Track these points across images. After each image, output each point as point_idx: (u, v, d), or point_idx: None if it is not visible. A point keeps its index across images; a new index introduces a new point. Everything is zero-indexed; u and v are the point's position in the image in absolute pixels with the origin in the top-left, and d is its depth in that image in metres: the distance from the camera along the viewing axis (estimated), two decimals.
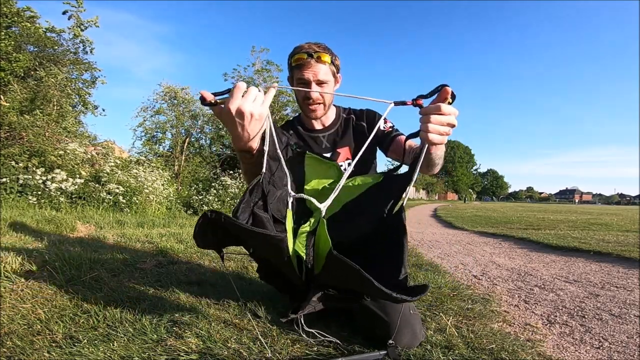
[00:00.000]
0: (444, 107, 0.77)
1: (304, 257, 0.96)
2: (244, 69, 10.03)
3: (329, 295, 0.93)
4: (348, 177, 1.17)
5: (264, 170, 0.88)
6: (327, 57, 1.15)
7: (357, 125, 1.33)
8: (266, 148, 0.88)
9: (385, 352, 0.91)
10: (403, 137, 1.21)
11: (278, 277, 1.08)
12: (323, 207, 0.88)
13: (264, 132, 0.87)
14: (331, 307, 1.00)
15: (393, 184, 1.00)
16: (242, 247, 0.96)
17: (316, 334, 0.99)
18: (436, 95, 0.80)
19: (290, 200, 0.91)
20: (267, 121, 0.85)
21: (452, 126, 0.79)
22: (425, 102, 0.81)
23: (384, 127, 1.26)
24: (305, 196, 0.89)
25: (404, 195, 0.93)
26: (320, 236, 0.88)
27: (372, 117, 1.33)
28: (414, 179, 0.88)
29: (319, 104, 1.21)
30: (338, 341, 0.99)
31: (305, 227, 1.07)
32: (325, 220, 0.87)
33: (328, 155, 1.29)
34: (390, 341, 0.93)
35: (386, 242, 0.90)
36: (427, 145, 0.84)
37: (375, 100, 0.87)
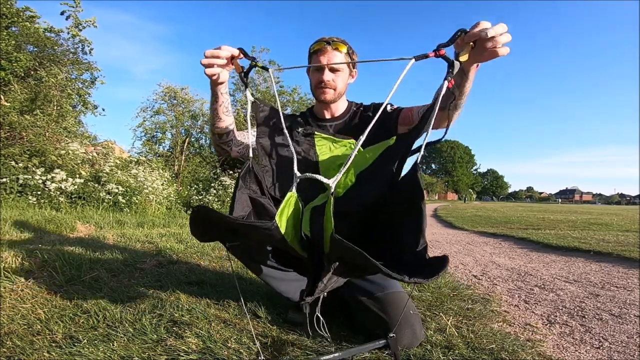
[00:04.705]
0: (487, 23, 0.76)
1: (309, 234, 0.95)
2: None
3: (344, 268, 0.89)
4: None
5: (251, 155, 0.93)
6: (343, 48, 1.17)
7: (363, 116, 1.33)
8: (251, 134, 0.91)
9: (384, 341, 0.91)
10: (412, 107, 1.19)
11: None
12: (332, 182, 0.84)
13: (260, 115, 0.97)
14: (349, 277, 0.96)
15: (404, 142, 0.95)
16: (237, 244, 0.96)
17: (318, 329, 0.99)
18: (455, 42, 0.79)
19: (296, 182, 0.89)
20: (248, 107, 0.96)
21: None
22: (447, 51, 0.80)
23: (390, 109, 1.24)
24: (312, 175, 0.87)
25: (417, 150, 0.85)
26: (326, 216, 0.84)
27: (379, 106, 1.33)
28: (433, 115, 0.80)
29: (330, 88, 1.22)
30: (328, 335, 0.99)
31: (314, 203, 1.06)
32: (332, 198, 0.83)
33: None
34: (392, 334, 0.93)
35: (401, 207, 0.84)
36: (471, 72, 0.82)
37: (395, 60, 0.83)
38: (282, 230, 0.82)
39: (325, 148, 1.14)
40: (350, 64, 1.24)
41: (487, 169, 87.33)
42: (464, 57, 0.80)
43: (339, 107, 1.31)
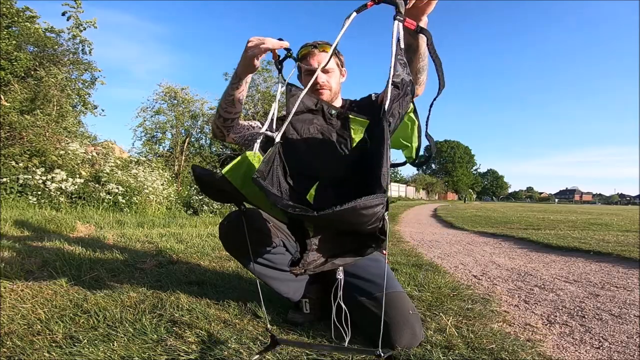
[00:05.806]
0: None
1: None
2: None
3: (327, 242, 0.85)
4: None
5: (278, 139, 0.89)
6: (329, 49, 1.20)
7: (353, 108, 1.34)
8: (270, 122, 0.93)
9: (378, 353, 0.76)
10: None
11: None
12: (277, 135, 0.89)
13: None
14: (338, 254, 0.87)
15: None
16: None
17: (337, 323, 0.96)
18: None
19: (258, 139, 0.91)
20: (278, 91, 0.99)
21: None
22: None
23: (374, 97, 1.27)
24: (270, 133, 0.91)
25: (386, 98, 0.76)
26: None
27: (367, 97, 1.34)
28: (394, 58, 0.76)
29: (326, 89, 1.25)
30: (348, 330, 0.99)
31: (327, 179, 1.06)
32: (277, 151, 0.88)
33: None
34: (384, 352, 0.73)
35: (369, 160, 0.80)
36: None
37: (348, 22, 0.82)
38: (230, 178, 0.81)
39: (358, 131, 1.14)
40: (339, 64, 1.30)
41: (487, 169, 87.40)
42: None
43: (336, 106, 1.33)
